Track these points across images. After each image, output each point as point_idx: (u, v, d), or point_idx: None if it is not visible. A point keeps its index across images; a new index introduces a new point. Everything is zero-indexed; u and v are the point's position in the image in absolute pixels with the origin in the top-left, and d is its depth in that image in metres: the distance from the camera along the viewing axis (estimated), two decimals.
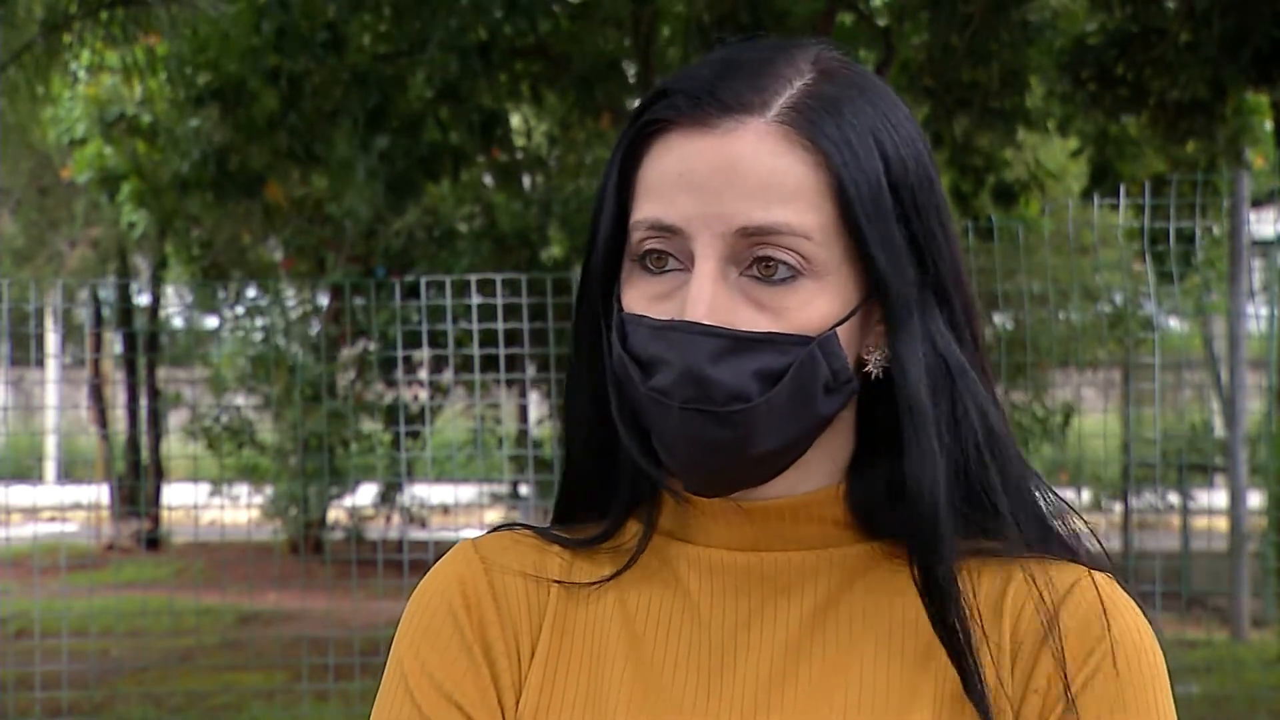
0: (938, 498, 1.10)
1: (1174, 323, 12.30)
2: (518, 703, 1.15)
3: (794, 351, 1.08)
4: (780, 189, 1.08)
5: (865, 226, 1.09)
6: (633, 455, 1.15)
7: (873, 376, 1.14)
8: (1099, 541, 1.18)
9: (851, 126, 1.10)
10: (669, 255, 1.11)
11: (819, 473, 1.16)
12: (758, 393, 1.07)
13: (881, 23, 9.33)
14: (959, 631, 1.10)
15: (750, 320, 1.08)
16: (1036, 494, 1.16)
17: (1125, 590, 1.14)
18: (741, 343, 1.07)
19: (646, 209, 1.11)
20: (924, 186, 1.13)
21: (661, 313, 1.10)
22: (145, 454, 13.98)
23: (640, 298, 1.11)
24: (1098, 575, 1.13)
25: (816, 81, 1.12)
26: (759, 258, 1.08)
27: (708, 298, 1.07)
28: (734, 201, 1.08)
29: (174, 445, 13.30)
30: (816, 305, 1.09)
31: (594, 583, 1.19)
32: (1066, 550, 1.15)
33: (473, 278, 7.56)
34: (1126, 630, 1.11)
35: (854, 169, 1.09)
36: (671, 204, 1.09)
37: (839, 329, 1.09)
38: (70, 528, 12.59)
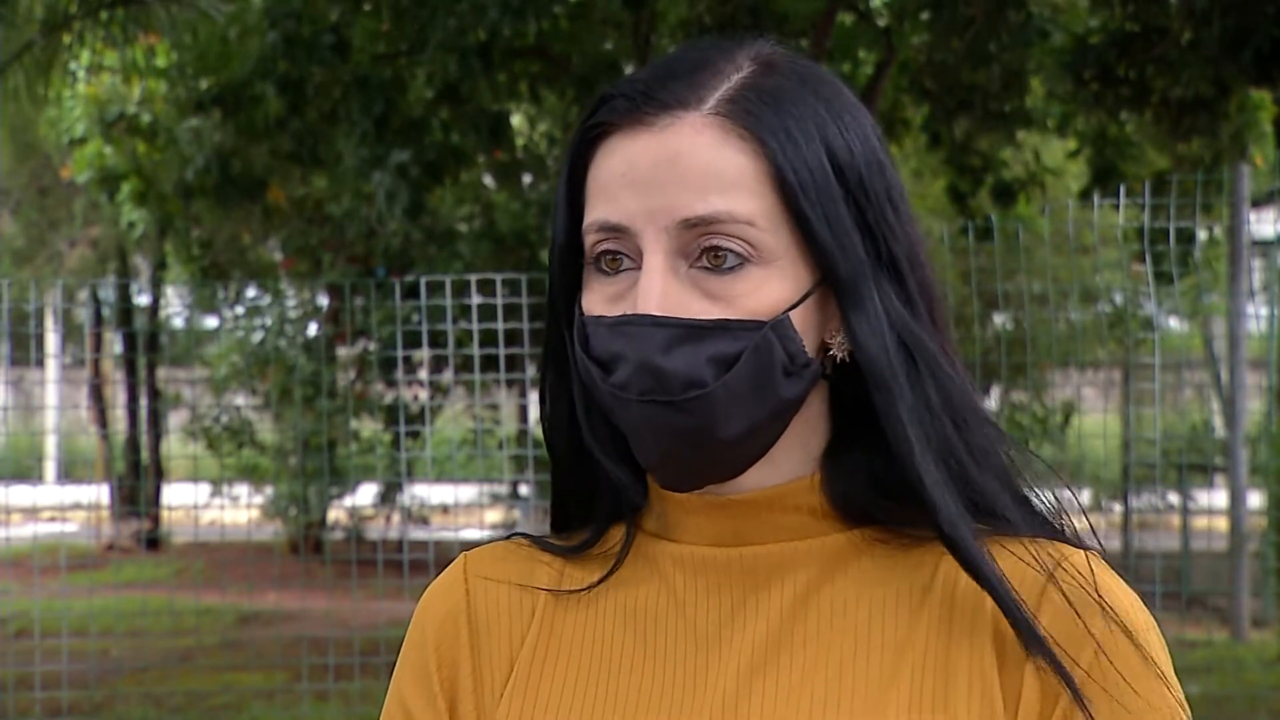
0: (921, 468, 1.11)
1: (1174, 323, 12.30)
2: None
3: (746, 336, 1.09)
4: (719, 179, 1.10)
5: (808, 210, 1.10)
6: (600, 459, 1.18)
7: (838, 359, 1.15)
8: (1098, 539, 1.18)
9: (790, 114, 1.12)
10: (622, 255, 1.13)
11: (792, 463, 1.17)
12: (713, 378, 1.09)
13: (881, 23, 9.33)
14: (1000, 588, 1.09)
15: (702, 310, 1.10)
16: (1013, 471, 1.16)
17: (1110, 566, 1.14)
18: (693, 331, 1.09)
19: (595, 211, 1.13)
20: (872, 170, 1.14)
21: (617, 312, 1.12)
22: (145, 454, 13.99)
23: (598, 300, 1.14)
24: (1082, 553, 1.13)
25: (755, 75, 1.14)
26: (706, 248, 1.10)
27: (658, 291, 1.09)
28: (675, 194, 1.10)
29: (174, 445, 13.30)
30: (767, 290, 1.10)
31: (580, 590, 1.21)
32: (1050, 529, 1.15)
33: (473, 278, 7.56)
34: (1121, 609, 1.11)
35: (792, 155, 1.11)
36: (617, 203, 1.12)
37: (793, 313, 1.11)
38: (70, 528, 12.59)
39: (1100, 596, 1.10)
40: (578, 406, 1.17)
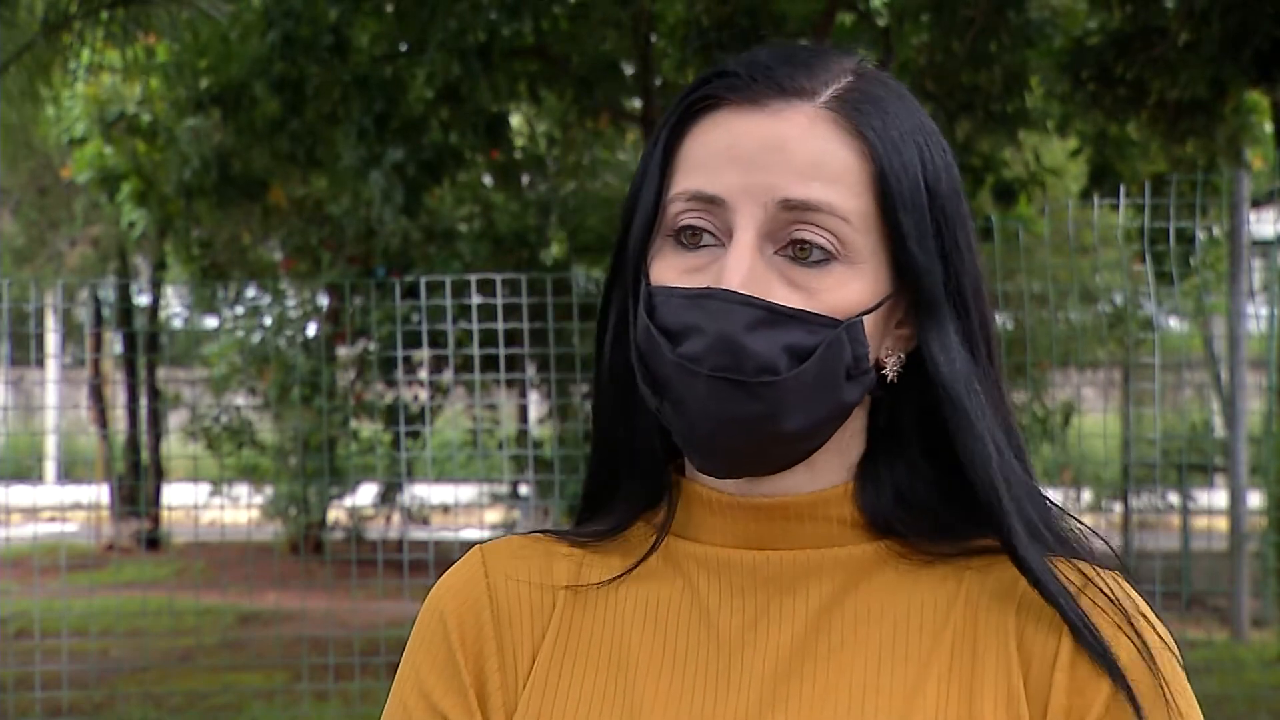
0: (999, 488, 1.12)
1: (1174, 323, 12.30)
2: (513, 714, 1.17)
3: (823, 332, 1.09)
4: (825, 170, 1.10)
5: (903, 217, 1.11)
6: (659, 416, 1.14)
7: (889, 379, 1.15)
8: (1106, 540, 1.19)
9: (895, 125, 1.13)
10: (704, 230, 1.12)
11: (829, 471, 1.17)
12: (786, 367, 1.08)
13: (881, 23, 9.32)
14: (1066, 603, 1.10)
15: (784, 297, 1.09)
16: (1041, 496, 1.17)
17: (1134, 587, 1.15)
18: (775, 315, 1.08)
19: (688, 180, 1.13)
20: (953, 197, 1.15)
21: (692, 285, 1.11)
22: (145, 454, 13.98)
23: (671, 271, 1.12)
24: (1107, 573, 1.14)
25: (860, 81, 1.15)
26: (794, 240, 1.10)
27: (745, 269, 1.09)
28: (779, 175, 1.10)
29: (174, 445, 13.31)
30: (848, 290, 1.10)
31: (600, 584, 1.20)
32: (1074, 549, 1.15)
33: (473, 278, 7.56)
34: (1146, 629, 1.12)
35: (896, 163, 1.12)
36: (716, 175, 1.11)
37: (865, 319, 1.11)
38: (70, 528, 12.59)
39: (1141, 613, 1.12)
40: (637, 372, 1.14)
